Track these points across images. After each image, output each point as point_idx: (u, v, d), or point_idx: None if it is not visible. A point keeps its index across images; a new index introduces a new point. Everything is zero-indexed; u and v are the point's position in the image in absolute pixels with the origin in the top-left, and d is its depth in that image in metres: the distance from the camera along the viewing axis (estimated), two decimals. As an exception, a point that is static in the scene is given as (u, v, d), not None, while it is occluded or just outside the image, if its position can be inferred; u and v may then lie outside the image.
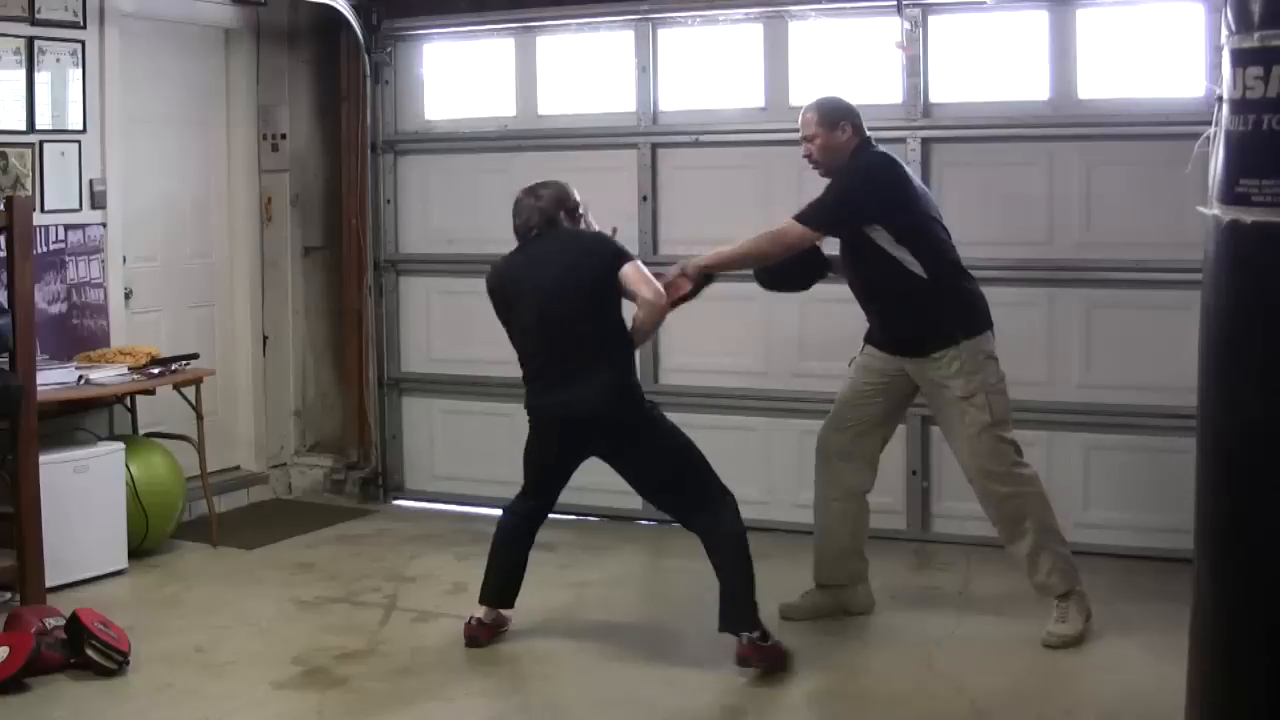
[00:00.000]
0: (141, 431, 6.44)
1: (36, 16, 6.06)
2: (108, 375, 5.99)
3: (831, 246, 5.10)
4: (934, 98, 6.17)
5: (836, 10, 6.30)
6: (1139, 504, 5.86)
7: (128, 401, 6.38)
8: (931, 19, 6.13)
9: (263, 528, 6.74)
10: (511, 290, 4.98)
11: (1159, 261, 5.74)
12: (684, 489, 4.85)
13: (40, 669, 4.60)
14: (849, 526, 5.22)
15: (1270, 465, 2.72)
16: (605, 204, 6.15)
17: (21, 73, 6.05)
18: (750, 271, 5.17)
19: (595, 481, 6.75)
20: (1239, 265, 2.78)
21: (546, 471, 5.08)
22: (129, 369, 6.08)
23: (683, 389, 6.62)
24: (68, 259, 6.27)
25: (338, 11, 6.93)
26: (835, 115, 5.02)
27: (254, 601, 5.57)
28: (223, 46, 7.24)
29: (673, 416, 6.43)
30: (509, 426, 7.07)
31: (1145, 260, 5.80)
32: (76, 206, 6.28)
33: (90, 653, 4.65)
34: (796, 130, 6.28)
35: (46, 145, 6.14)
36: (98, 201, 6.36)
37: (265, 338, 7.45)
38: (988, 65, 6.10)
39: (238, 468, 7.36)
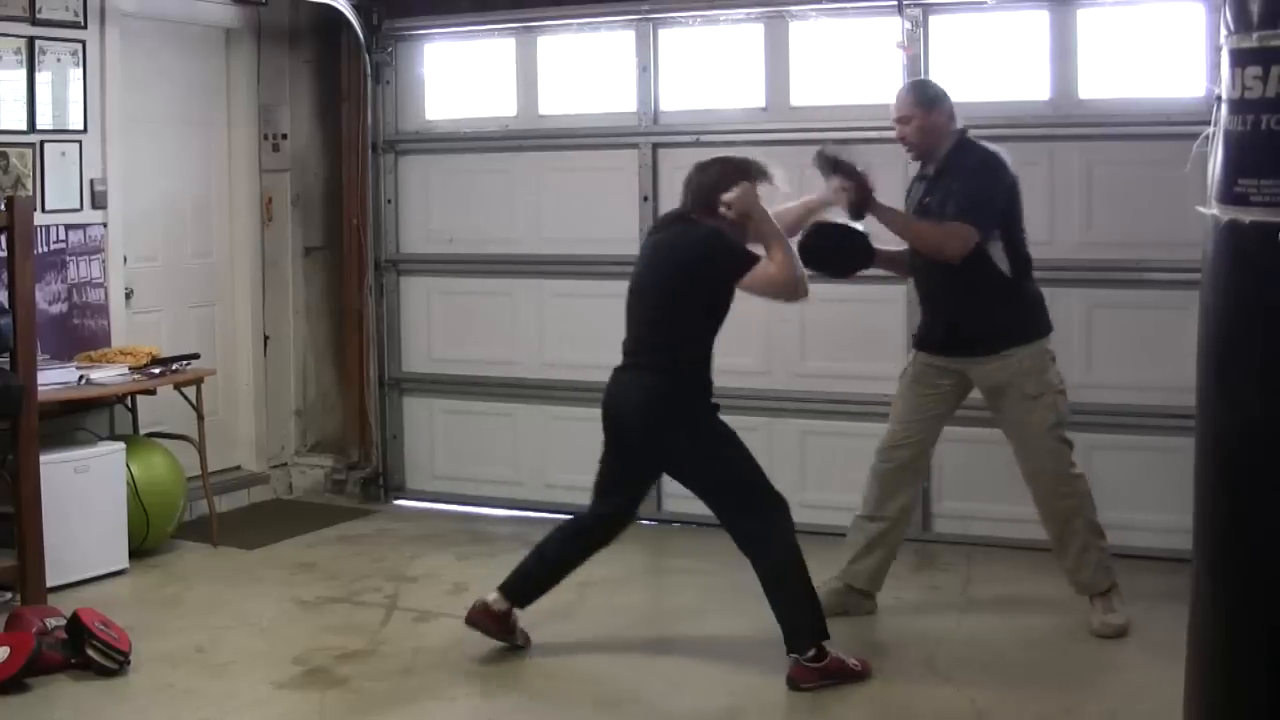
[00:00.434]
0: (142, 431, 6.44)
1: (37, 16, 6.07)
2: (108, 375, 5.99)
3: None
4: (935, 98, 6.16)
5: (837, 10, 6.30)
6: (1139, 504, 5.86)
7: (128, 401, 6.38)
8: (932, 19, 6.13)
9: (263, 528, 6.74)
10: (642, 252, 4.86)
11: (1159, 261, 5.74)
12: (724, 508, 4.73)
13: (41, 669, 4.60)
14: (898, 542, 5.25)
15: (1269, 465, 2.72)
16: (605, 204, 6.20)
17: (22, 73, 6.05)
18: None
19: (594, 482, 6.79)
20: (1238, 265, 2.78)
21: (603, 468, 4.91)
22: (130, 369, 6.08)
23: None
24: (68, 259, 6.27)
25: (338, 11, 6.93)
26: (933, 97, 4.99)
27: (255, 601, 5.58)
28: (223, 46, 7.24)
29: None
30: (509, 426, 7.11)
31: (1146, 260, 5.80)
32: (77, 206, 6.29)
33: (91, 653, 4.65)
34: (798, 130, 6.32)
35: (47, 145, 6.15)
36: (98, 201, 6.36)
37: (266, 338, 7.45)
38: (988, 65, 6.09)
39: (238, 468, 7.36)
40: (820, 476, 6.44)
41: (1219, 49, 2.82)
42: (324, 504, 7.27)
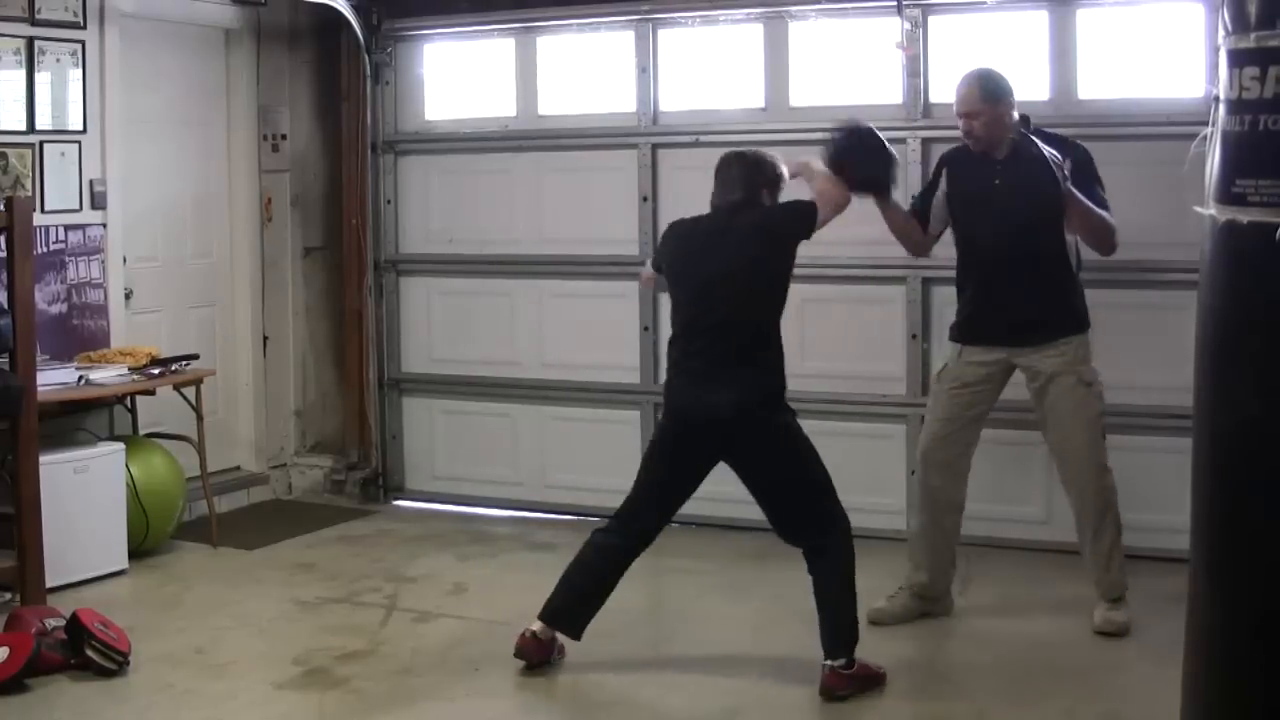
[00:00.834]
0: (142, 432, 6.44)
1: (36, 17, 6.07)
2: (108, 375, 5.99)
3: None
4: (934, 98, 6.17)
5: (837, 10, 6.30)
6: (1138, 504, 5.84)
7: (128, 402, 6.38)
8: (932, 19, 6.13)
9: (263, 528, 6.74)
10: (684, 249, 4.77)
11: (1158, 261, 5.74)
12: (794, 509, 4.70)
13: (40, 669, 4.60)
14: (955, 539, 5.26)
15: (1267, 465, 2.72)
16: (605, 204, 6.20)
17: (21, 73, 6.05)
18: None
19: (595, 481, 6.79)
20: (1235, 265, 2.78)
21: (665, 483, 4.74)
22: (129, 369, 6.08)
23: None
24: (68, 259, 6.27)
25: (338, 12, 6.94)
26: (1000, 91, 4.99)
27: (254, 602, 5.58)
28: (223, 47, 7.24)
29: (673, 416, 6.49)
30: (509, 427, 7.12)
31: (1145, 260, 5.79)
32: (77, 207, 6.29)
33: (90, 653, 4.65)
34: (797, 130, 6.32)
35: (46, 145, 6.15)
36: (98, 202, 6.36)
37: (265, 338, 7.45)
38: (988, 65, 6.08)
39: (238, 468, 7.36)
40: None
41: (1217, 49, 2.82)
42: (324, 504, 7.27)
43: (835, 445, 6.36)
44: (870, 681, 4.54)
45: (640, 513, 4.77)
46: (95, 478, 5.82)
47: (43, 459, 5.35)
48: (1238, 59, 2.72)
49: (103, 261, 6.43)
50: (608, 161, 6.69)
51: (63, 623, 4.78)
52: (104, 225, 6.42)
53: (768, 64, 6.47)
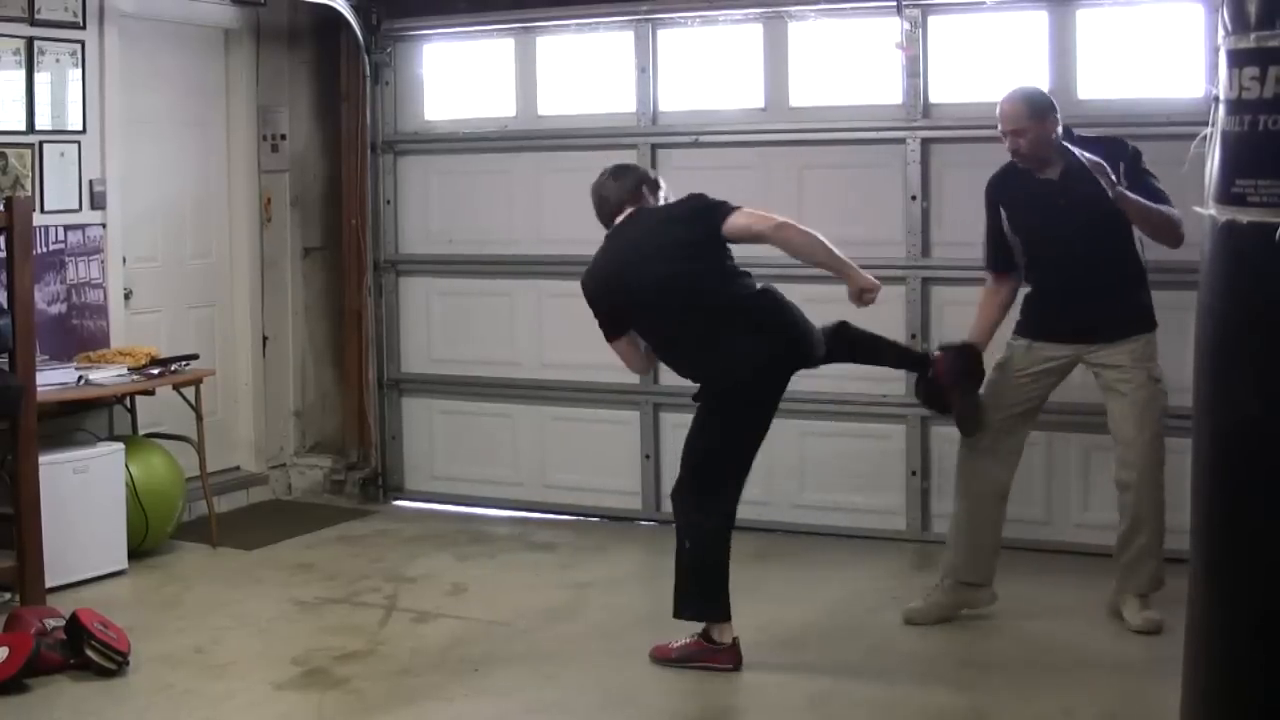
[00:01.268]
0: (141, 432, 6.44)
1: (36, 17, 6.06)
2: (107, 376, 5.99)
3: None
4: (934, 98, 6.17)
5: (836, 10, 6.30)
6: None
7: (127, 402, 6.38)
8: (931, 19, 6.13)
9: (262, 528, 6.74)
10: (623, 284, 4.89)
11: (1158, 261, 5.72)
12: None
13: (40, 669, 4.60)
14: (998, 526, 5.25)
15: (1267, 465, 2.72)
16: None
17: (21, 73, 6.05)
18: None
19: (594, 481, 6.80)
20: (1235, 265, 2.78)
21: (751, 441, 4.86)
22: (129, 369, 6.08)
23: (683, 389, 6.60)
24: (67, 259, 6.27)
25: (337, 12, 6.93)
26: (1045, 107, 5.03)
27: (254, 602, 5.58)
28: (222, 47, 7.24)
29: (672, 416, 6.50)
30: (508, 427, 7.11)
31: (1144, 260, 5.78)
32: (76, 207, 6.29)
33: (90, 653, 4.65)
34: (797, 130, 6.33)
35: (46, 146, 6.14)
36: (97, 202, 6.36)
37: (265, 338, 7.45)
38: (988, 65, 6.09)
39: (237, 468, 7.36)
40: (819, 477, 6.44)
41: (1217, 49, 2.82)
42: (323, 504, 7.26)
43: (835, 445, 6.40)
44: (701, 659, 4.67)
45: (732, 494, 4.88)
46: (95, 478, 5.82)
47: (42, 459, 5.35)
48: (1237, 59, 2.73)
49: (102, 261, 6.42)
50: (607, 162, 6.64)
51: (62, 623, 4.78)
52: (103, 225, 6.41)
53: (767, 64, 6.46)
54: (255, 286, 7.40)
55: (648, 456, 6.73)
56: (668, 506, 6.57)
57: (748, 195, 6.14)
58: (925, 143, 6.15)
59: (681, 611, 4.77)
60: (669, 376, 6.66)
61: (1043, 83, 5.95)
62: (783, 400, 6.54)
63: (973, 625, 5.16)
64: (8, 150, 5.99)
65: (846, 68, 6.34)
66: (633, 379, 6.73)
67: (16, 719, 4.36)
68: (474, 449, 7.17)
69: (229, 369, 7.24)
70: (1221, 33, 2.78)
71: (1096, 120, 5.86)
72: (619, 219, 4.95)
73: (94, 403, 6.14)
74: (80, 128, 6.29)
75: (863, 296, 4.85)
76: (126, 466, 6.00)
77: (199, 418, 6.36)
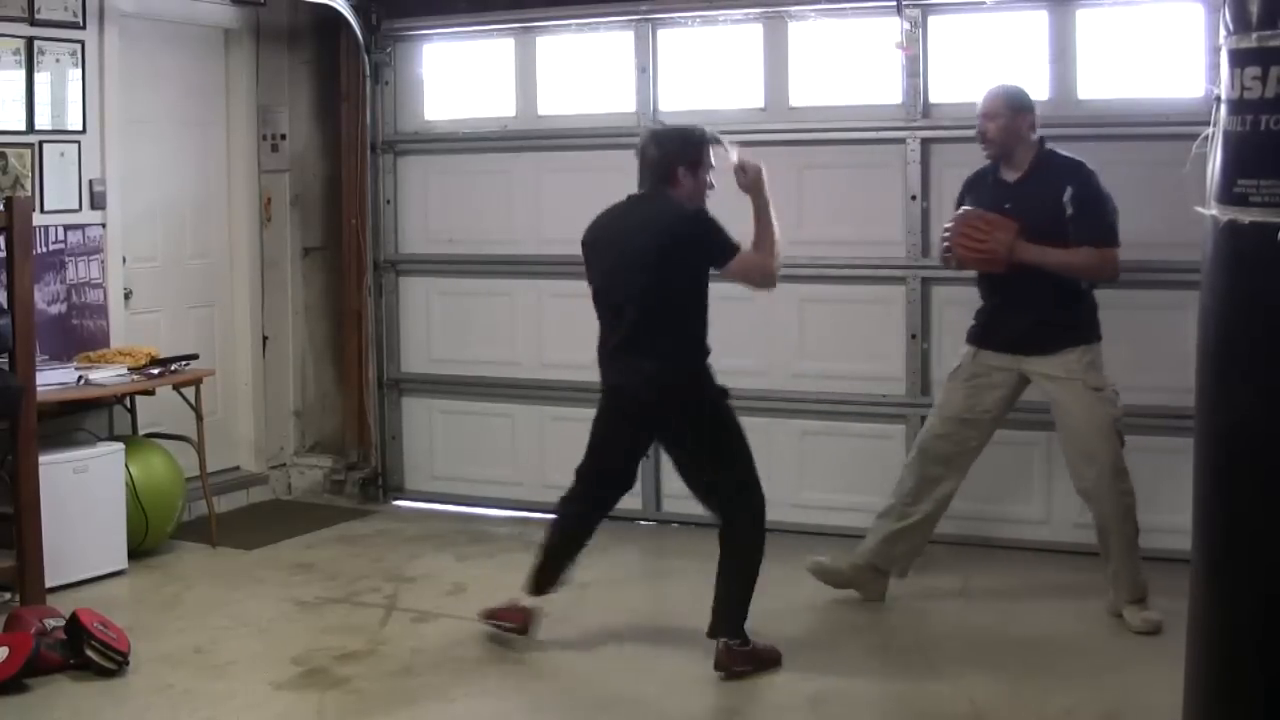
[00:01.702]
0: (141, 432, 6.44)
1: (36, 17, 6.06)
2: (107, 375, 5.99)
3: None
4: (934, 98, 6.17)
5: (836, 10, 6.30)
6: (1139, 504, 5.84)
7: (127, 402, 6.38)
8: (931, 19, 6.13)
9: (262, 528, 6.74)
10: (595, 246, 4.98)
11: (1159, 261, 5.74)
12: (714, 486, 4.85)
13: (40, 669, 4.60)
14: (928, 535, 5.36)
15: (1268, 465, 2.72)
16: (604, 204, 6.16)
17: (21, 73, 6.05)
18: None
19: (595, 482, 6.78)
20: (1237, 265, 2.78)
21: (595, 448, 5.04)
22: (129, 369, 6.08)
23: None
24: (67, 259, 6.27)
25: (337, 12, 6.93)
26: (1022, 104, 5.12)
27: (254, 602, 5.57)
28: (222, 47, 7.24)
29: (672, 416, 6.49)
30: (509, 426, 7.11)
31: (1146, 260, 5.78)
32: (76, 207, 6.28)
33: (90, 653, 4.65)
34: (797, 130, 6.33)
35: (46, 145, 6.14)
36: (97, 202, 6.36)
37: (265, 338, 7.45)
38: (988, 65, 6.09)
39: (237, 468, 7.36)
40: (819, 477, 6.43)
41: (1218, 49, 2.82)
42: (323, 504, 7.26)
43: (835, 445, 6.40)
44: (765, 661, 4.69)
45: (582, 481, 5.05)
46: (95, 478, 5.82)
47: (42, 459, 5.35)
48: (1239, 59, 2.73)
49: (102, 261, 6.42)
50: (607, 161, 6.66)
51: (62, 623, 4.78)
52: (103, 225, 6.41)
53: (767, 64, 6.46)
54: (255, 286, 7.39)
55: (647, 456, 6.72)
56: (668, 506, 6.64)
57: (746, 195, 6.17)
58: (925, 142, 6.15)
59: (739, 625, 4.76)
60: (669, 376, 6.69)
61: (1043, 83, 5.97)
62: (782, 399, 6.57)
63: (972, 625, 5.16)
64: (8, 150, 5.99)
65: (846, 68, 6.35)
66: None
67: (16, 719, 4.36)
68: (474, 449, 7.17)
69: (229, 369, 7.24)
70: (1223, 32, 2.78)
71: (1097, 120, 5.88)
72: (632, 196, 4.89)
73: (94, 403, 6.14)
74: (80, 128, 6.28)
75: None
76: (126, 466, 6.00)
77: (199, 418, 6.36)
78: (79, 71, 6.27)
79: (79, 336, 6.33)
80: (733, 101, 6.57)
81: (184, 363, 6.33)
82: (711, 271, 4.75)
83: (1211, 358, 2.88)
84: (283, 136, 7.38)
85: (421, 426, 7.33)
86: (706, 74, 6.62)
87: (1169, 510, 5.41)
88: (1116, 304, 5.93)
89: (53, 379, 5.74)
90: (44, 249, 6.10)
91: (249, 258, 7.37)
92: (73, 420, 6.10)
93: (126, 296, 6.65)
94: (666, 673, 4.76)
